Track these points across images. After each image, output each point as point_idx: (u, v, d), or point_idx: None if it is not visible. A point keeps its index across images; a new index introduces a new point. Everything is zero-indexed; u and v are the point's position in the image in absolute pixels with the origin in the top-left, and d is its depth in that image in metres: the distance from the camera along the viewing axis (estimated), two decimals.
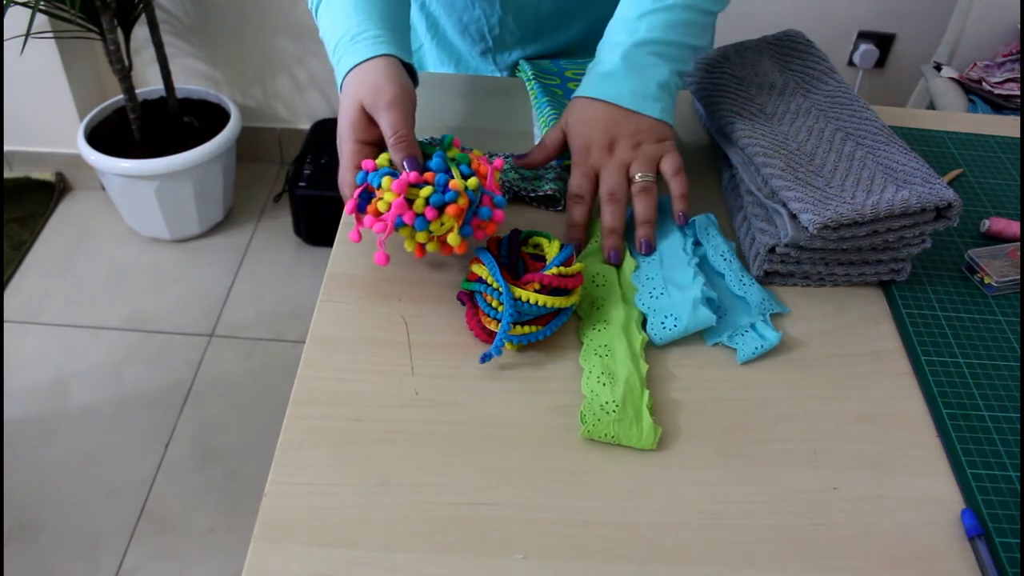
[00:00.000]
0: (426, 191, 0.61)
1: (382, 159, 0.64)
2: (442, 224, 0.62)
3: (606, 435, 0.56)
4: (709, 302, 0.64)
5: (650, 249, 0.68)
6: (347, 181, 0.64)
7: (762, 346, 0.62)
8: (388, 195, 0.61)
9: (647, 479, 0.55)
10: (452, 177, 0.63)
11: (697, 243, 0.71)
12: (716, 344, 0.64)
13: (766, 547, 0.52)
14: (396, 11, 0.72)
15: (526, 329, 0.61)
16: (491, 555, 0.50)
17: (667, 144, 0.72)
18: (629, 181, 0.70)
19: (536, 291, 0.60)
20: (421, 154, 0.64)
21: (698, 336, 0.64)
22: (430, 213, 0.61)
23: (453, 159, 0.65)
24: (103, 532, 1.48)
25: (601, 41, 0.74)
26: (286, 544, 0.50)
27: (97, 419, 1.66)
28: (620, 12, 0.74)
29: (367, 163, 0.63)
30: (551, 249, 0.65)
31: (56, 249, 2.05)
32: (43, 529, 1.48)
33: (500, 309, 0.61)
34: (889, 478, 0.56)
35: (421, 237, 0.63)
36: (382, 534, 0.51)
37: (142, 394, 1.72)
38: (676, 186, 0.70)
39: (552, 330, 0.62)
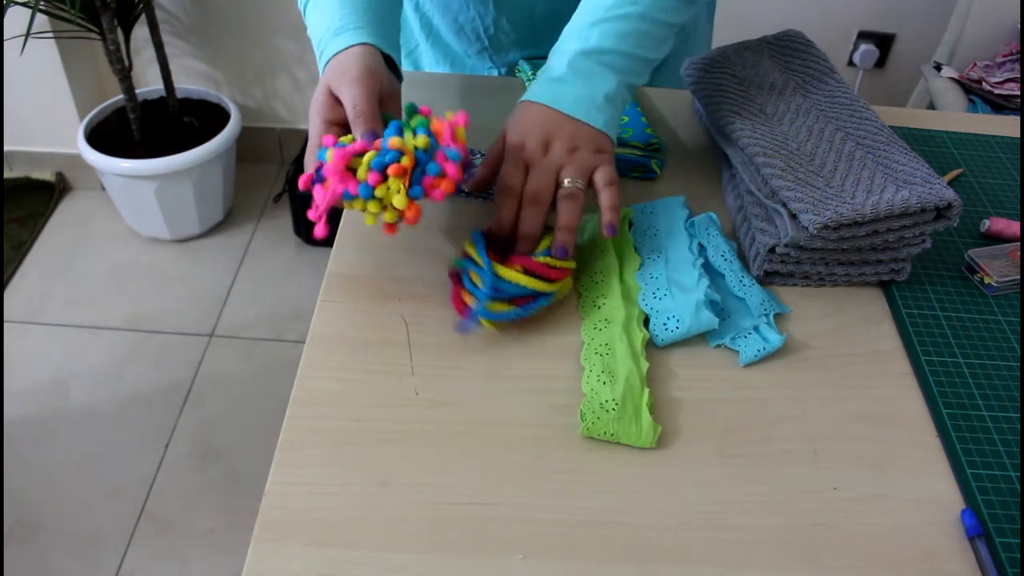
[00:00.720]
0: (369, 155, 0.59)
1: (346, 139, 0.62)
2: (388, 189, 0.59)
3: (605, 433, 0.56)
4: (712, 304, 0.64)
5: (565, 254, 0.63)
6: (310, 161, 0.64)
7: (765, 348, 0.62)
8: (328, 162, 0.60)
9: (647, 479, 0.55)
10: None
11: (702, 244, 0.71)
12: (718, 346, 0.64)
13: (766, 547, 0.52)
14: (383, 6, 0.72)
15: (502, 307, 0.61)
16: (491, 555, 0.50)
17: (604, 156, 0.67)
18: (557, 185, 0.66)
19: (518, 272, 0.61)
20: (382, 130, 0.62)
21: (700, 337, 0.64)
22: (372, 178, 0.59)
23: (411, 127, 0.62)
24: (103, 532, 1.48)
25: (553, 47, 0.72)
26: (286, 544, 0.50)
27: (97, 419, 1.66)
28: (575, 19, 0.71)
29: (327, 139, 0.62)
30: (548, 240, 0.65)
31: (56, 249, 2.05)
32: (43, 529, 1.48)
33: (480, 286, 0.61)
34: (889, 478, 0.56)
35: (372, 207, 0.60)
36: (382, 534, 0.51)
37: (142, 394, 1.72)
38: (606, 197, 0.66)
39: (529, 312, 0.62)
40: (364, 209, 0.61)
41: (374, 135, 0.61)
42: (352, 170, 0.60)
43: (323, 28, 0.69)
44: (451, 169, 0.60)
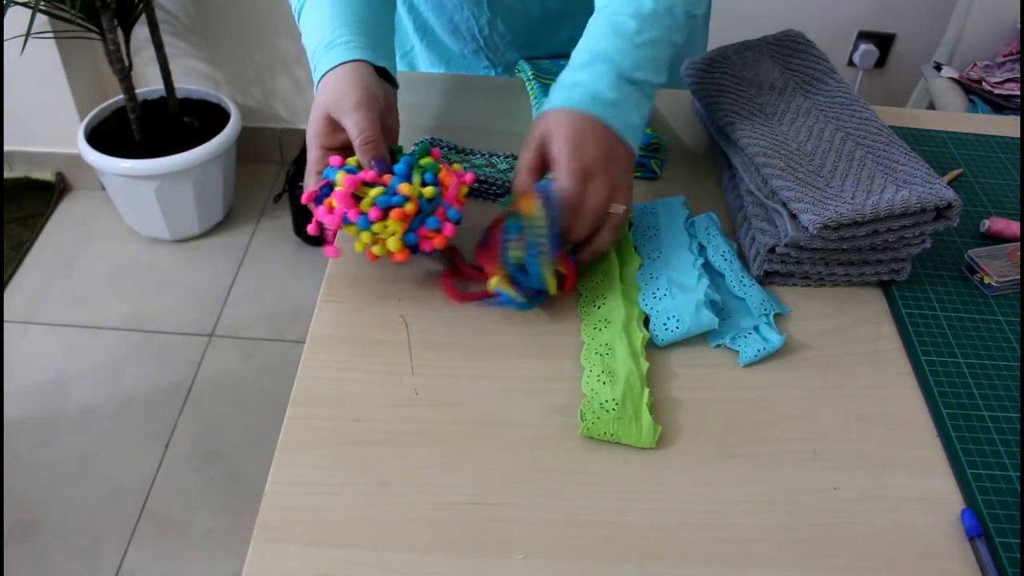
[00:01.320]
0: (376, 191, 0.61)
1: (352, 160, 0.64)
2: (385, 227, 0.61)
3: (605, 433, 0.56)
4: (712, 304, 0.64)
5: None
6: (310, 186, 0.64)
7: (764, 348, 0.62)
8: (339, 187, 0.61)
9: (647, 479, 0.55)
10: (409, 183, 0.62)
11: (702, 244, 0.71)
12: (719, 346, 0.64)
13: (766, 547, 0.52)
14: (375, 14, 0.72)
15: (514, 292, 0.62)
16: (491, 555, 0.50)
17: (631, 179, 0.67)
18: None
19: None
20: (389, 156, 0.64)
21: (700, 337, 0.64)
22: (374, 213, 0.60)
23: (421, 167, 0.64)
24: (103, 532, 1.48)
25: (579, 57, 0.68)
26: (286, 544, 0.50)
27: (97, 419, 1.66)
28: (599, 32, 0.68)
29: (334, 159, 0.63)
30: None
31: (56, 249, 2.05)
32: (43, 529, 1.48)
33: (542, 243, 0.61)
34: (889, 478, 0.56)
35: (365, 237, 0.62)
36: (382, 534, 0.51)
37: (142, 394, 1.72)
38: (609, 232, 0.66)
39: (534, 305, 0.64)
40: (356, 235, 0.62)
41: (383, 162, 0.63)
42: (357, 197, 0.61)
43: (315, 41, 0.69)
44: (448, 228, 0.63)
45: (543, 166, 0.66)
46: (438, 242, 0.63)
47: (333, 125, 0.65)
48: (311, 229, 0.63)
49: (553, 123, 0.65)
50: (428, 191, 0.62)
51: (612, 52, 0.67)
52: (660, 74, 0.69)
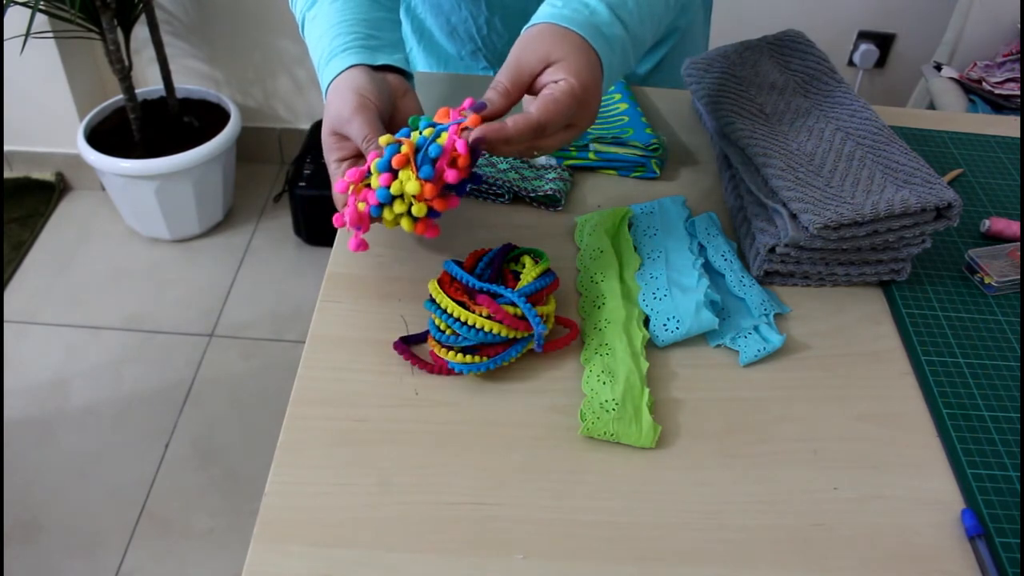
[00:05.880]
0: (373, 165, 0.59)
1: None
2: (401, 183, 0.58)
3: (605, 433, 0.56)
4: (712, 304, 0.64)
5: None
6: (339, 201, 0.64)
7: (765, 348, 0.62)
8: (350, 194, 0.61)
9: (647, 479, 0.55)
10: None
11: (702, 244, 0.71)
12: (719, 346, 0.64)
13: (766, 547, 0.52)
14: (373, 10, 0.71)
15: (472, 359, 0.58)
16: (491, 555, 0.50)
17: None
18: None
19: (484, 317, 0.58)
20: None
21: (700, 337, 0.64)
22: (383, 179, 0.58)
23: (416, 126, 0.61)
24: (103, 532, 1.48)
25: None
26: (286, 544, 0.50)
27: (97, 419, 1.66)
28: None
29: (351, 172, 0.61)
30: (529, 273, 0.62)
31: (56, 249, 2.05)
32: (43, 529, 1.48)
33: (447, 332, 0.59)
34: (889, 478, 0.56)
35: (398, 206, 0.59)
36: (382, 534, 0.51)
37: (142, 394, 1.72)
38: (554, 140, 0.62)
39: (498, 363, 0.59)
40: (395, 218, 0.60)
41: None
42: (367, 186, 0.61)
43: (318, 55, 0.70)
44: (460, 145, 0.57)
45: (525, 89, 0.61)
46: (461, 162, 0.57)
47: (339, 137, 0.65)
48: (353, 247, 0.61)
49: (551, 38, 0.60)
50: (425, 131, 0.59)
51: None
52: (647, 28, 0.66)
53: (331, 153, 0.66)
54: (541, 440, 0.57)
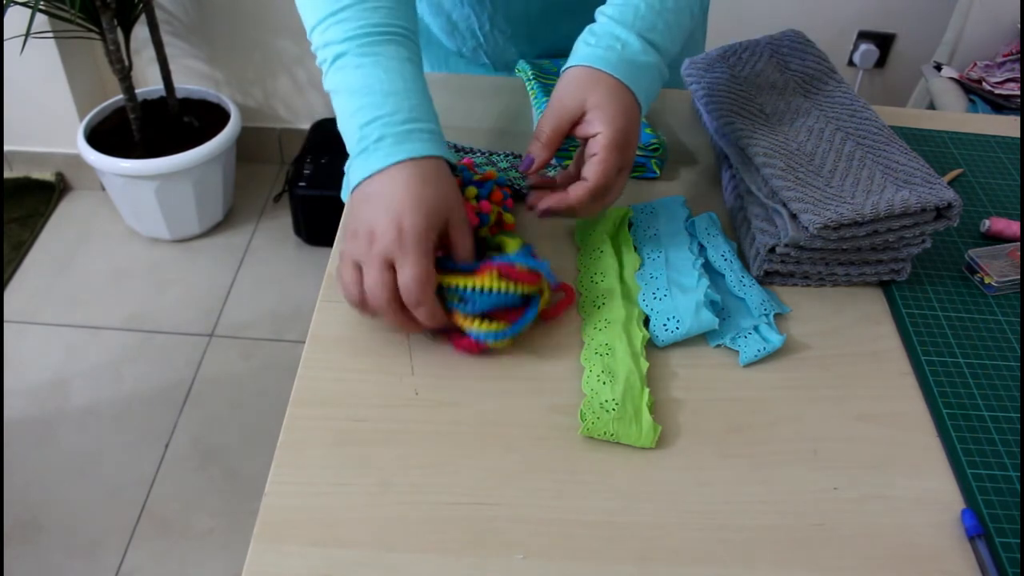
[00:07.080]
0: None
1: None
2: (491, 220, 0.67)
3: (605, 433, 0.56)
4: (712, 304, 0.64)
5: (530, 166, 0.66)
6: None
7: (765, 348, 0.62)
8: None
9: (647, 479, 0.55)
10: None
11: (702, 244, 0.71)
12: (719, 346, 0.64)
13: (766, 547, 0.52)
14: (422, 84, 0.64)
15: (493, 326, 0.60)
16: (491, 555, 0.50)
17: None
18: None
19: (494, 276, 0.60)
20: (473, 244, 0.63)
21: (700, 337, 0.64)
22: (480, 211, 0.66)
23: (483, 238, 0.68)
24: (103, 532, 1.48)
25: (610, 16, 0.67)
26: (286, 544, 0.50)
27: (97, 419, 1.66)
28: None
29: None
30: (512, 245, 0.66)
31: (56, 249, 2.05)
32: (43, 529, 1.48)
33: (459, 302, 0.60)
34: (889, 478, 0.56)
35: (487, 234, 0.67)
36: (382, 534, 0.51)
37: (142, 394, 1.72)
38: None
39: (519, 328, 0.60)
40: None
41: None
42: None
43: (381, 108, 0.60)
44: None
45: (567, 133, 0.66)
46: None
47: (440, 228, 0.59)
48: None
49: (584, 86, 0.64)
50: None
51: (637, 11, 0.66)
52: (675, 42, 0.69)
53: (431, 245, 0.58)
54: (541, 440, 0.57)
